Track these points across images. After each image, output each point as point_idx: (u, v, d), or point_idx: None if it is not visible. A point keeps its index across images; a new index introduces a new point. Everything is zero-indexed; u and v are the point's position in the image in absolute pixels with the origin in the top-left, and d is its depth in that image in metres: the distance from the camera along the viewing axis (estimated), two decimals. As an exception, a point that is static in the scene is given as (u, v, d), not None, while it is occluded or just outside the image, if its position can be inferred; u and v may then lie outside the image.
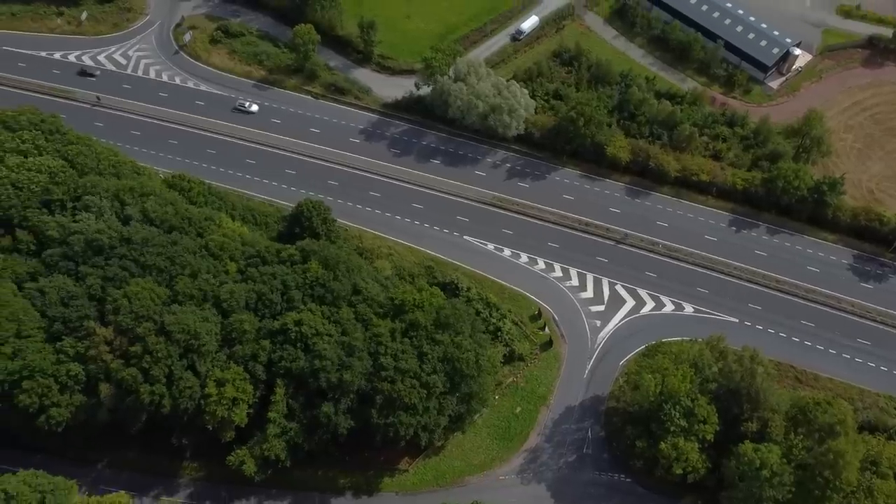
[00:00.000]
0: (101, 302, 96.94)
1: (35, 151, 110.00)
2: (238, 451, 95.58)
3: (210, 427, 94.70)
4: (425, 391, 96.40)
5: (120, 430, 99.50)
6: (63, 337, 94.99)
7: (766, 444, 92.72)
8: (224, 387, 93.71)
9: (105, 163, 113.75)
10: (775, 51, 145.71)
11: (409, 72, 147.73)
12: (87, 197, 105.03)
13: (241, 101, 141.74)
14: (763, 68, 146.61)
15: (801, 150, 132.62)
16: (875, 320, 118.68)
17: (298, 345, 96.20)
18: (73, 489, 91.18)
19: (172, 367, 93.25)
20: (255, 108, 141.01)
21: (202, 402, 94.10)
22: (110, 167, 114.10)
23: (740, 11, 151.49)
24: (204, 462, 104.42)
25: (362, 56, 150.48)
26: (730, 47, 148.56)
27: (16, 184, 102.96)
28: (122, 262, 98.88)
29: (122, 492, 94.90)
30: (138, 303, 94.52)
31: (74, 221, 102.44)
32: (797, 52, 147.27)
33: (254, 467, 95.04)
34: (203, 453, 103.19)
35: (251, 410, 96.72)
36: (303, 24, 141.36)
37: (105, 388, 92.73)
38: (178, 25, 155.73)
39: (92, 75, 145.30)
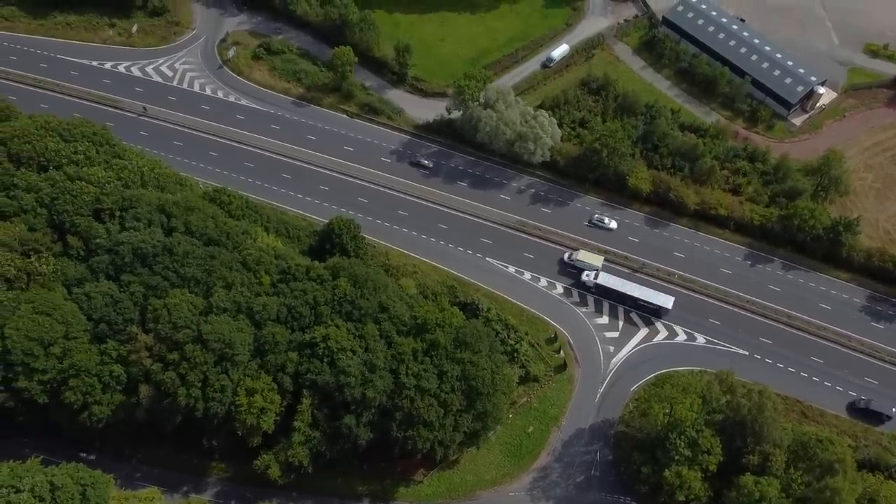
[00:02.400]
0: (143, 309, 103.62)
1: (86, 162, 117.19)
2: (264, 455, 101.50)
3: (240, 433, 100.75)
4: (443, 409, 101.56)
5: (154, 428, 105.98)
6: (107, 339, 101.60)
7: (766, 477, 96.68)
8: (254, 396, 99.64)
9: (149, 175, 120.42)
10: (800, 88, 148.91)
11: (441, 94, 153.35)
12: (133, 209, 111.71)
13: (418, 158, 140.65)
14: (787, 105, 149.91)
15: (819, 188, 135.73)
16: (884, 360, 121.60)
17: (325, 359, 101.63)
18: (111, 483, 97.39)
19: (207, 374, 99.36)
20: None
21: (233, 408, 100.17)
22: (154, 179, 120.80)
23: (767, 48, 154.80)
24: (231, 463, 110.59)
25: (397, 77, 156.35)
26: (755, 83, 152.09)
27: (70, 192, 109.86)
28: (165, 273, 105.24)
29: (155, 488, 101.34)
30: (177, 312, 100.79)
31: (123, 230, 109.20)
32: (821, 90, 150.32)
33: (278, 472, 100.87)
34: (230, 455, 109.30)
35: (277, 418, 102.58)
36: (342, 47, 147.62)
37: (145, 390, 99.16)
38: (222, 41, 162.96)
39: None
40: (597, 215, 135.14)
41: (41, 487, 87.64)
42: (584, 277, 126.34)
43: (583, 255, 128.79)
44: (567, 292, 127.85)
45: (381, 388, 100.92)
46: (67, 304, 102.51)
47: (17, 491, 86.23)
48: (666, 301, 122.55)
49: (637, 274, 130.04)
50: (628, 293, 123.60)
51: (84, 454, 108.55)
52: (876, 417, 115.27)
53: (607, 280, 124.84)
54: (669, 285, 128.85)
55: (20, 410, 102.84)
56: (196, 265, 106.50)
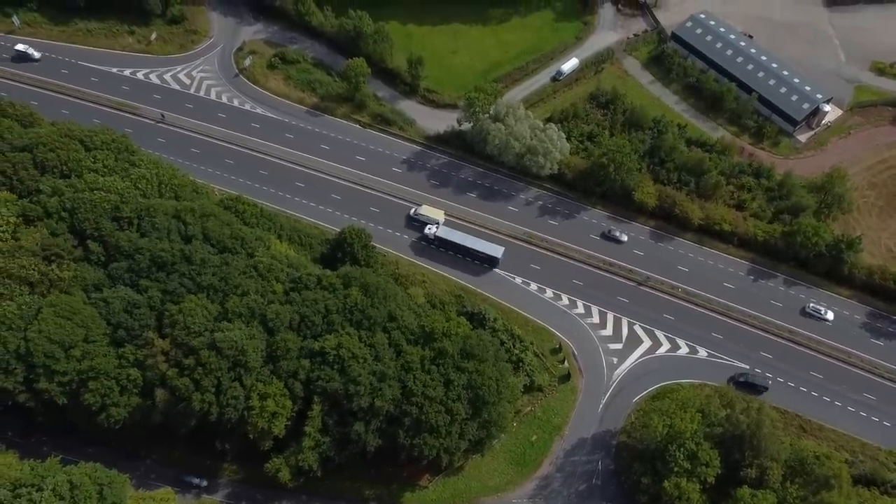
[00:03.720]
0: (160, 314, 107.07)
1: (105, 170, 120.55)
2: (275, 459, 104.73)
3: (251, 436, 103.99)
4: (449, 416, 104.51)
5: (168, 430, 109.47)
6: (125, 344, 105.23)
7: (763, 490, 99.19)
8: (266, 401, 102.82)
9: (167, 184, 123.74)
10: (805, 106, 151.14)
11: (452, 106, 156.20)
12: (151, 217, 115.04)
13: (613, 231, 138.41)
14: (793, 122, 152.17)
15: (822, 205, 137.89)
16: (882, 376, 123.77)
17: (335, 366, 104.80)
18: (126, 483, 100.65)
19: (221, 379, 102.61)
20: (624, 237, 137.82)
21: (246, 412, 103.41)
22: (171, 189, 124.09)
23: (774, 65, 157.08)
24: (242, 465, 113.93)
25: (409, 88, 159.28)
26: (762, 100, 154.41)
27: (91, 201, 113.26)
28: (181, 280, 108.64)
29: (169, 488, 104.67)
30: (192, 319, 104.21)
31: (142, 237, 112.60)
32: (827, 107, 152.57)
33: (288, 475, 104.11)
34: (242, 457, 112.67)
35: (288, 423, 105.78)
36: (356, 58, 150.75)
37: (161, 394, 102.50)
38: (238, 49, 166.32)
39: None
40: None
41: (61, 486, 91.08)
42: (427, 230, 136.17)
43: (426, 210, 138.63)
44: (417, 245, 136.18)
45: (390, 396, 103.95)
46: (87, 308, 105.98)
47: (40, 489, 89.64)
48: (496, 250, 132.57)
49: (642, 287, 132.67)
50: (464, 244, 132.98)
51: (100, 454, 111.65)
52: (755, 389, 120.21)
53: (447, 233, 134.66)
54: (673, 298, 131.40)
55: (40, 410, 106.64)
56: (212, 273, 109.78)
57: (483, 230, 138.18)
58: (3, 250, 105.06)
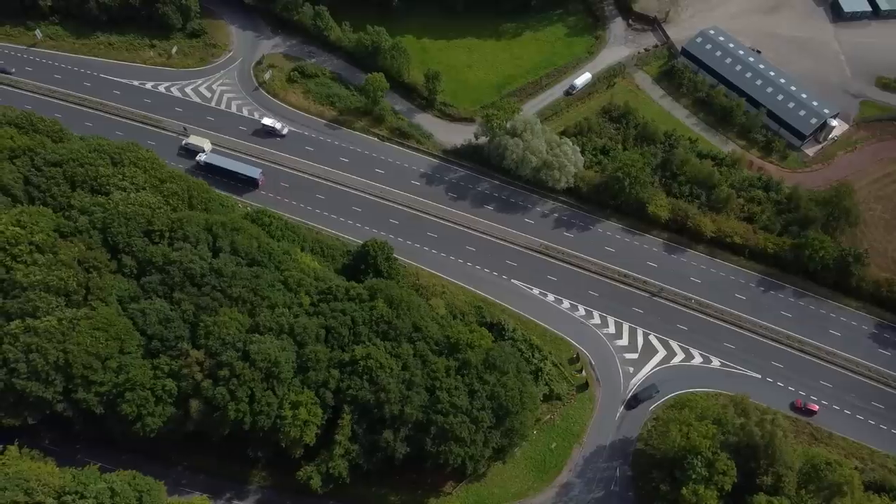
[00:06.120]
0: (193, 326, 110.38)
1: (133, 187, 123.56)
2: (307, 467, 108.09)
3: (283, 445, 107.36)
4: (474, 426, 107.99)
5: (200, 437, 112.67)
6: (160, 355, 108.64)
7: (778, 497, 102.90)
8: (298, 410, 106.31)
9: (197, 199, 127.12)
10: (813, 121, 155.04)
11: (468, 120, 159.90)
12: (182, 230, 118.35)
13: None
14: (801, 136, 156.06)
15: (830, 218, 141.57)
16: (890, 386, 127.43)
17: (364, 376, 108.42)
18: (163, 490, 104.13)
19: (255, 389, 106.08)
20: None
21: (278, 421, 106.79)
22: (201, 203, 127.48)
23: (782, 80, 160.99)
24: (271, 472, 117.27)
25: (426, 102, 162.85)
26: (770, 114, 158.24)
27: (125, 214, 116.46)
28: (213, 294, 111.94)
29: (205, 496, 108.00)
30: (226, 331, 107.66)
31: (174, 251, 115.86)
32: (834, 122, 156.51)
33: (319, 482, 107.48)
34: (271, 464, 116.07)
35: (318, 431, 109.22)
36: (375, 73, 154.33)
37: (195, 404, 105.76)
38: (258, 63, 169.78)
39: None
40: None
41: (103, 494, 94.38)
42: (197, 158, 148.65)
43: (194, 140, 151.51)
44: (193, 171, 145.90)
45: (418, 403, 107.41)
46: (122, 320, 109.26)
47: (83, 497, 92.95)
48: (254, 172, 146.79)
49: (656, 298, 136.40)
50: (228, 168, 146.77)
51: (132, 461, 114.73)
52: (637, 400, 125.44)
53: (213, 159, 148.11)
54: (686, 309, 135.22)
55: (77, 419, 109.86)
56: (242, 285, 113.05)
57: (246, 157, 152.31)
58: (42, 263, 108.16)
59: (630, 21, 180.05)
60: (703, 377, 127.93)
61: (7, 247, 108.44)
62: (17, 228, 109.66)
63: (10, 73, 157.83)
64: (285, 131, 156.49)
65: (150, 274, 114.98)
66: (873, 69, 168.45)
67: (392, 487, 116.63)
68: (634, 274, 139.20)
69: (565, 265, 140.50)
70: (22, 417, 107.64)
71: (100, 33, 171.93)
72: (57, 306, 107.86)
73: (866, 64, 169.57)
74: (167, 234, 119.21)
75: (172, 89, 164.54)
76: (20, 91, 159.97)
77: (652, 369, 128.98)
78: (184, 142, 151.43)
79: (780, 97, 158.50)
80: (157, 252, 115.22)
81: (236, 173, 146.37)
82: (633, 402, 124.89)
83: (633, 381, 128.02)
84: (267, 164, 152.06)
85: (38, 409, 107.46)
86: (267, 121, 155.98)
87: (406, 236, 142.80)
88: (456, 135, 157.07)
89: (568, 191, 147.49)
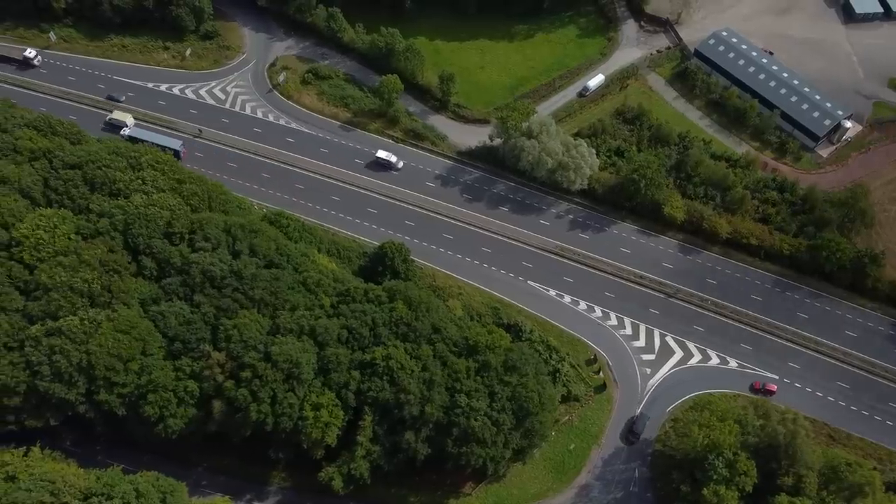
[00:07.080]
0: (214, 328, 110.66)
1: (153, 191, 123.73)
2: (329, 468, 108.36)
3: (305, 446, 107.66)
4: (495, 427, 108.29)
5: (220, 438, 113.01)
6: (181, 356, 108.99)
7: (800, 498, 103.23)
8: (319, 411, 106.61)
9: (216, 201, 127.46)
10: (827, 122, 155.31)
11: (482, 121, 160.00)
12: (202, 231, 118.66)
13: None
14: (814, 138, 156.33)
15: (846, 219, 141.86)
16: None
17: (385, 377, 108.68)
18: (185, 491, 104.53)
19: (276, 391, 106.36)
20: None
21: (299, 422, 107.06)
22: (220, 205, 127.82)
23: (796, 82, 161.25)
24: (291, 473, 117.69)
25: (439, 104, 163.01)
26: (784, 116, 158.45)
27: (145, 217, 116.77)
28: (234, 295, 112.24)
29: (227, 497, 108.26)
30: (247, 333, 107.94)
31: (193, 252, 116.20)
32: (848, 123, 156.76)
33: (341, 483, 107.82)
34: (291, 465, 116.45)
35: (339, 432, 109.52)
36: (390, 75, 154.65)
37: (217, 405, 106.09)
38: (271, 65, 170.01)
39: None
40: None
41: (129, 495, 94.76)
42: (121, 133, 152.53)
43: (117, 115, 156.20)
44: None
45: (440, 403, 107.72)
46: (144, 322, 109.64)
47: (109, 498, 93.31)
48: (175, 143, 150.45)
49: (672, 299, 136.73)
50: (150, 141, 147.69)
51: (153, 462, 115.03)
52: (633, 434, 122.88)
53: (136, 133, 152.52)
54: (703, 310, 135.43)
55: (99, 421, 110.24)
56: (262, 287, 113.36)
57: (167, 129, 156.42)
58: (66, 265, 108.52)
59: (642, 22, 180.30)
60: (721, 378, 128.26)
61: (31, 249, 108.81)
62: (40, 231, 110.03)
63: (120, 101, 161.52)
64: (401, 165, 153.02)
65: (171, 276, 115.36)
66: (886, 70, 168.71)
67: (411, 488, 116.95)
68: (650, 275, 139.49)
69: (581, 266, 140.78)
70: (44, 419, 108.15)
71: (113, 35, 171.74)
72: (81, 307, 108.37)
73: (878, 65, 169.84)
74: (187, 236, 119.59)
75: (187, 91, 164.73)
76: (35, 93, 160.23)
77: (669, 370, 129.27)
78: (108, 117, 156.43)
79: (793, 98, 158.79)
80: (176, 253, 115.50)
81: (159, 146, 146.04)
82: (633, 438, 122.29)
83: (651, 382, 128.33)
84: (281, 165, 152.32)
85: (60, 411, 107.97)
86: (382, 154, 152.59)
87: (421, 238, 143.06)
88: (470, 136, 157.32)
89: (583, 192, 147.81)
